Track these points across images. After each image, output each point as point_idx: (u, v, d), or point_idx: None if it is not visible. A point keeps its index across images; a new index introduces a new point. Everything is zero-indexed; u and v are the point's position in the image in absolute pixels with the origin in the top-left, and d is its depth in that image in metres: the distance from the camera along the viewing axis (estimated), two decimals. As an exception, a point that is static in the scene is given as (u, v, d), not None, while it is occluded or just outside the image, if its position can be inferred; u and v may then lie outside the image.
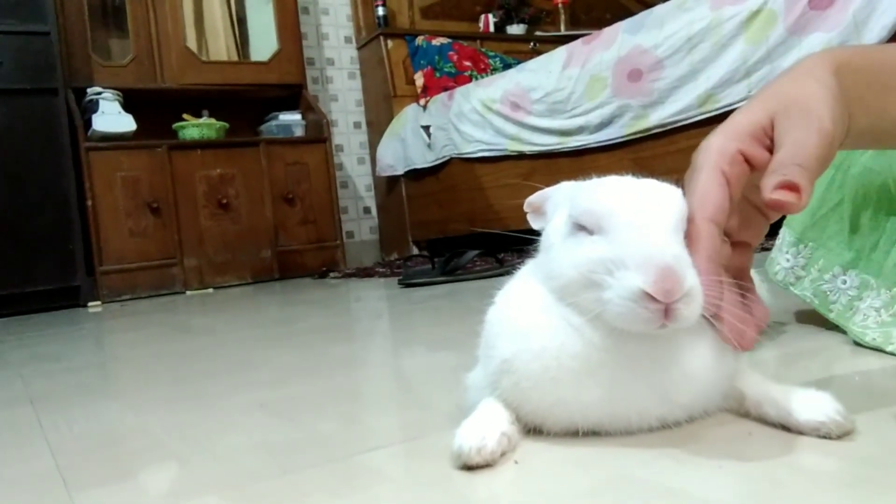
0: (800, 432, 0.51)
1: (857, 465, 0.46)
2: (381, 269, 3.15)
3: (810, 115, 0.51)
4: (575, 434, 0.54)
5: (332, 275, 3.33)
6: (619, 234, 0.50)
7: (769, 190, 0.47)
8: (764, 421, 0.54)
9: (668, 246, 0.49)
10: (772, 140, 0.52)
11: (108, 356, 1.59)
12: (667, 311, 0.47)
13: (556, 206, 0.58)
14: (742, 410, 0.56)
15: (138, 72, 3.38)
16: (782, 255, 0.91)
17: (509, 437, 0.54)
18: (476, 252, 2.41)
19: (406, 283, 2.30)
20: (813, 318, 0.90)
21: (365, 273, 3.13)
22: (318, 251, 3.60)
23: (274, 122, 3.68)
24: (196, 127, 3.40)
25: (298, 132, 3.70)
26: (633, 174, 0.55)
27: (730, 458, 0.49)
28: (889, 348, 0.73)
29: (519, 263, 0.63)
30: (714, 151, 0.52)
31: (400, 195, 3.95)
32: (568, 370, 0.52)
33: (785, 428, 0.52)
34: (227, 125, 3.48)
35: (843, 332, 0.82)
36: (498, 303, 0.60)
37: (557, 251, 0.54)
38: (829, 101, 0.51)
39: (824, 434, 0.50)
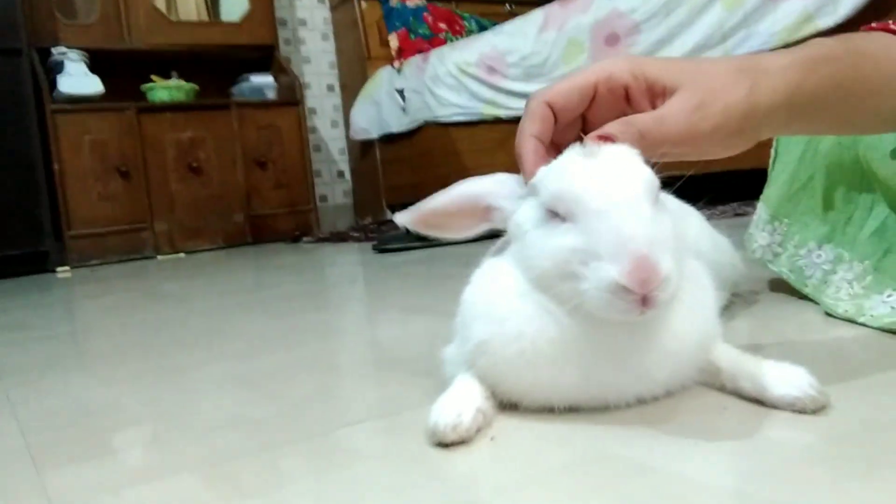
0: (775, 407, 0.51)
1: (832, 440, 0.46)
2: (355, 234, 3.13)
3: (698, 106, 0.53)
4: (551, 410, 0.54)
5: (305, 239, 3.31)
6: (590, 221, 0.49)
7: (598, 132, 0.53)
8: (739, 395, 0.54)
9: (641, 230, 0.48)
10: (651, 89, 0.56)
11: (79, 325, 1.56)
12: (644, 299, 0.47)
13: (511, 196, 0.57)
14: (717, 384, 0.56)
15: (105, 31, 3.28)
16: (759, 231, 0.91)
17: (485, 413, 0.54)
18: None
19: (381, 249, 2.29)
20: (786, 287, 0.91)
21: (339, 238, 3.11)
22: (291, 215, 3.57)
23: (245, 84, 3.61)
24: (165, 89, 3.32)
25: (270, 95, 3.63)
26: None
27: (705, 434, 0.49)
28: (861, 319, 0.74)
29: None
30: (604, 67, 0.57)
31: (374, 159, 3.91)
32: (544, 355, 0.52)
33: (760, 402, 0.52)
34: (196, 87, 3.41)
35: (817, 302, 0.82)
36: (474, 283, 0.59)
37: (532, 240, 0.53)
38: (728, 115, 0.53)
39: (799, 409, 0.50)
